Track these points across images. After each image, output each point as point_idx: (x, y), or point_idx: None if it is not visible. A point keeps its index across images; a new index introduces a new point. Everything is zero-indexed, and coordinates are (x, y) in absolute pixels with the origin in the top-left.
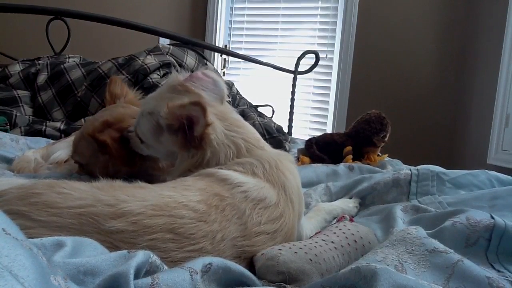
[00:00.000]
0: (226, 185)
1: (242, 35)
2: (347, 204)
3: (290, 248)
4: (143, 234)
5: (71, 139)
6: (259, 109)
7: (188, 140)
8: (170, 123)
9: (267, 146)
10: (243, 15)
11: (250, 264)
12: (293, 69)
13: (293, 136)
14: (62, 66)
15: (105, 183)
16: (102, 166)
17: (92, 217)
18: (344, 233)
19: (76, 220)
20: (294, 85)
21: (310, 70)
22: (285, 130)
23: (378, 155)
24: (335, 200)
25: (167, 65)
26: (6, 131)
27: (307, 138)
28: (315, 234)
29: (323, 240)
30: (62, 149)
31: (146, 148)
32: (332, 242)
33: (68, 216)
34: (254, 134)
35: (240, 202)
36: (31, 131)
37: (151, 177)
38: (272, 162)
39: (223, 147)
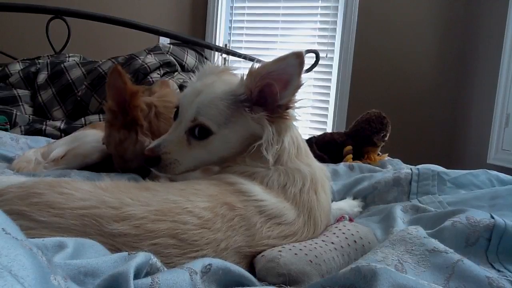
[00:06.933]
0: (242, 196)
1: (242, 34)
2: (352, 208)
3: (290, 249)
4: (145, 238)
5: (71, 135)
6: None
7: (271, 110)
8: (254, 90)
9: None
10: (243, 14)
11: (251, 266)
12: None
13: None
14: (62, 65)
15: (110, 183)
16: (115, 144)
17: (95, 219)
18: (344, 233)
19: (79, 221)
20: None
21: (310, 69)
22: None
23: (378, 154)
24: (337, 199)
25: (167, 64)
26: (6, 130)
27: (307, 137)
28: None
29: (323, 241)
30: (61, 146)
31: (191, 145)
32: (332, 243)
33: (70, 217)
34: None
35: (252, 215)
36: (31, 130)
37: None
38: (312, 179)
39: (291, 142)
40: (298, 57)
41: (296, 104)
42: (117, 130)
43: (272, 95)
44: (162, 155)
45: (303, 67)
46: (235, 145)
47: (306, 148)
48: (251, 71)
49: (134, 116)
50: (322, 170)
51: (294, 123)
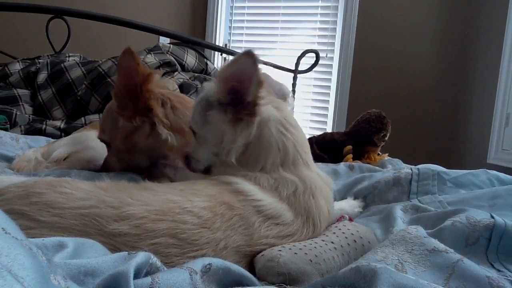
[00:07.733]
0: (240, 196)
1: (242, 34)
2: (353, 208)
3: (290, 249)
4: (145, 238)
5: (73, 136)
6: None
7: (239, 111)
8: (222, 94)
9: (311, 161)
10: (243, 14)
11: (251, 265)
12: (293, 68)
13: None
14: (62, 65)
15: (110, 183)
16: (123, 137)
17: (95, 219)
18: (343, 233)
19: (79, 221)
20: (294, 84)
21: (310, 69)
22: None
23: (378, 154)
24: (337, 199)
25: (167, 64)
26: (6, 129)
27: (307, 137)
28: None
29: (323, 240)
30: (63, 146)
31: (198, 143)
32: (332, 242)
33: (70, 216)
34: (304, 141)
35: (250, 214)
36: (31, 130)
37: (165, 159)
38: (308, 187)
39: (274, 145)
40: (249, 56)
41: (262, 101)
42: (128, 120)
43: (240, 95)
44: (188, 154)
45: (257, 64)
46: (217, 142)
47: (297, 155)
48: (217, 76)
49: (146, 102)
50: (321, 178)
51: (298, 124)
